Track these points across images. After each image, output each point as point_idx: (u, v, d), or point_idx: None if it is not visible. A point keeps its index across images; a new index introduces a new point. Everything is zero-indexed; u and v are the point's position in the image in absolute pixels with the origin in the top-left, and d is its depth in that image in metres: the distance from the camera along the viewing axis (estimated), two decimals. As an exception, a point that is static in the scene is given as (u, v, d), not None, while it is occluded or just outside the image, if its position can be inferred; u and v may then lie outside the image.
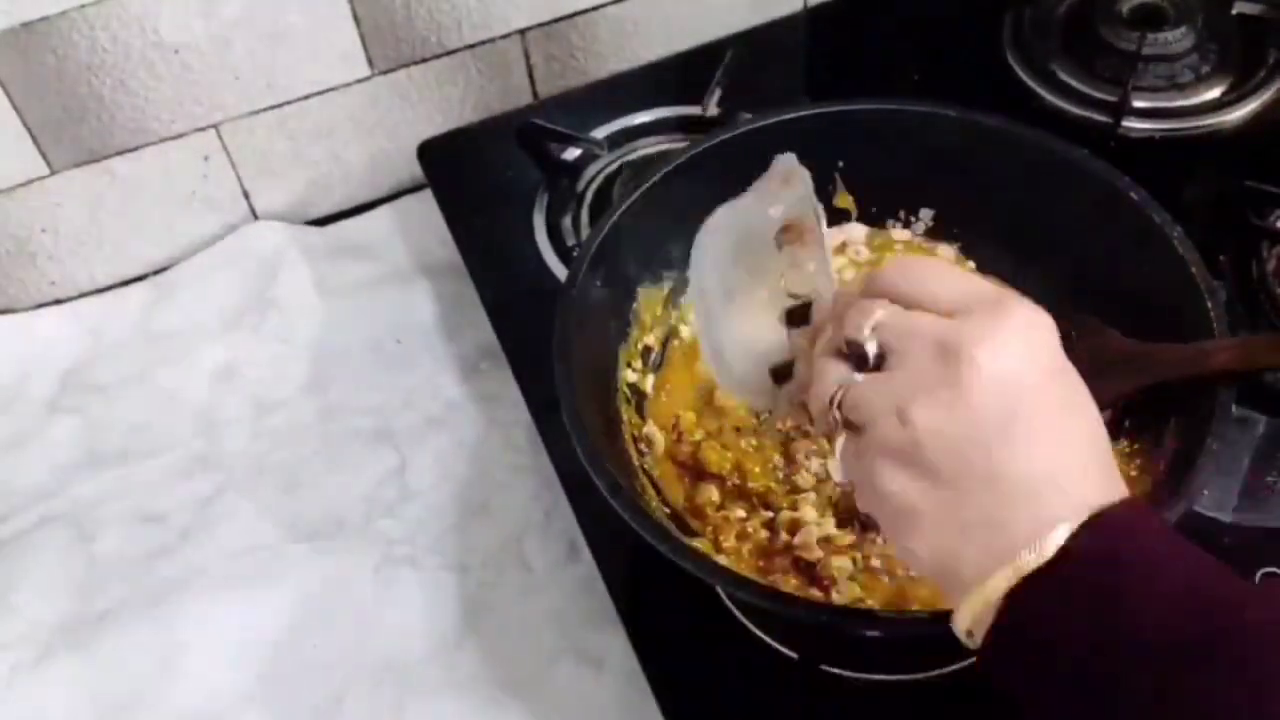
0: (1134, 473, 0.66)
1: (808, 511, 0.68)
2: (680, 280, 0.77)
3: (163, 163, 0.93)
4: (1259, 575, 0.68)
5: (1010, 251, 0.76)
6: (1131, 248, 0.68)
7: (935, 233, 0.79)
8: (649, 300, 0.76)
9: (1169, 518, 0.56)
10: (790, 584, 0.66)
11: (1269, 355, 0.62)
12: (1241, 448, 0.65)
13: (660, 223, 0.74)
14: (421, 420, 0.86)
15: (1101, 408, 0.65)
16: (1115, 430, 0.68)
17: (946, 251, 0.79)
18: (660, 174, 0.74)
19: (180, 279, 0.97)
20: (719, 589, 0.69)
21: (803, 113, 0.76)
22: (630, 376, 0.75)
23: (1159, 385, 0.64)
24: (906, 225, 0.80)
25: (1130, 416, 0.68)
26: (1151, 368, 0.65)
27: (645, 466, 0.71)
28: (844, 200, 0.79)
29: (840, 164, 0.78)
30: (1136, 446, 0.67)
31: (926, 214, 0.79)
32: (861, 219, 0.80)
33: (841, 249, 0.80)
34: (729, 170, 0.75)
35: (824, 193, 0.79)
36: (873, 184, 0.79)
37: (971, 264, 0.78)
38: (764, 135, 0.75)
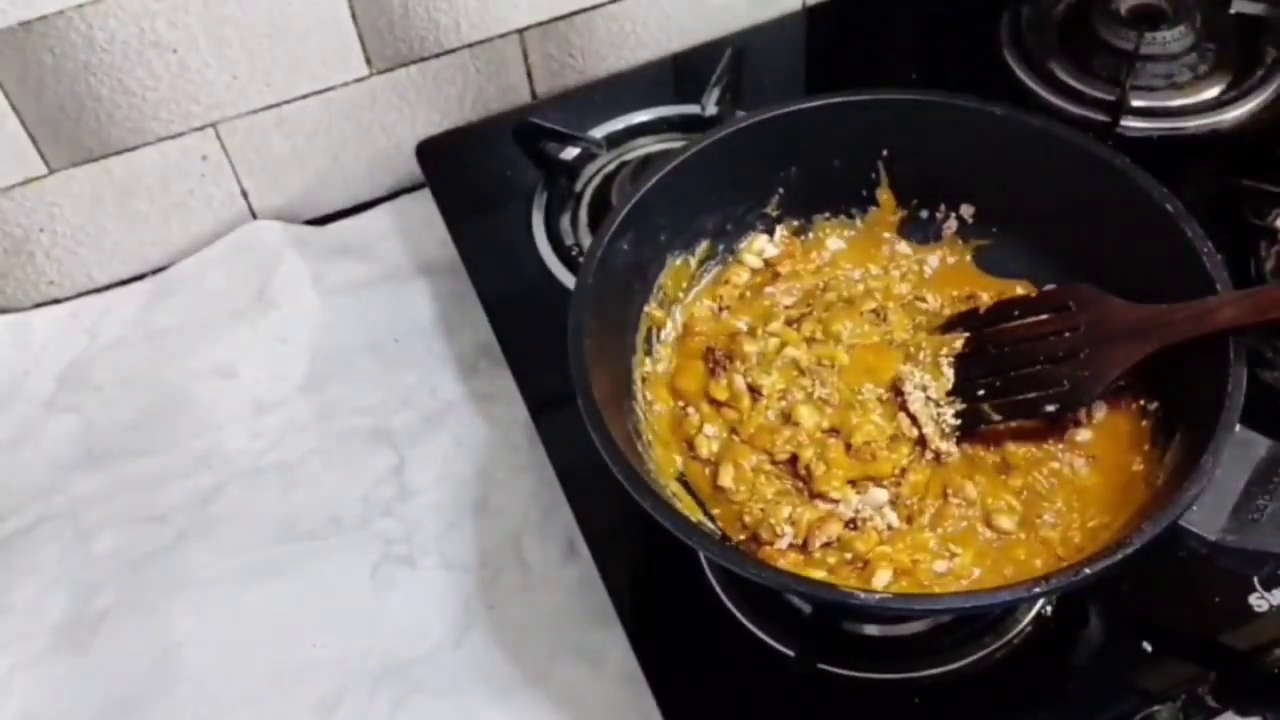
0: (1147, 446, 0.68)
1: (878, 493, 0.69)
2: (708, 253, 0.79)
3: (161, 162, 0.93)
4: (1256, 577, 0.69)
5: (1044, 251, 0.77)
6: (1164, 259, 0.69)
7: (972, 230, 0.80)
8: (676, 272, 0.77)
9: (1154, 528, 0.56)
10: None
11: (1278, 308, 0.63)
12: (1239, 468, 0.66)
13: (699, 192, 0.75)
14: (420, 419, 0.86)
15: (1113, 378, 0.65)
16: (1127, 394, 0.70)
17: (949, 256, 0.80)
18: (711, 140, 0.75)
19: (178, 278, 0.97)
20: (705, 562, 0.70)
21: (865, 96, 0.76)
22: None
23: (1168, 349, 0.65)
24: (946, 219, 0.80)
25: (1143, 380, 0.69)
26: (1157, 332, 0.66)
27: (653, 429, 0.72)
28: (885, 195, 0.80)
29: (884, 152, 0.78)
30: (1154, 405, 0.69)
31: (967, 209, 0.79)
32: (901, 206, 0.80)
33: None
34: (777, 146, 0.77)
35: (867, 182, 0.79)
36: (916, 175, 0.79)
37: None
38: (818, 115, 0.76)
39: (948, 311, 0.77)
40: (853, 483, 0.69)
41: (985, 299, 0.77)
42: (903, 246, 0.81)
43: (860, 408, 0.72)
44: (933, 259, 0.80)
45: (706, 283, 0.80)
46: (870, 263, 0.80)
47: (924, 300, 0.78)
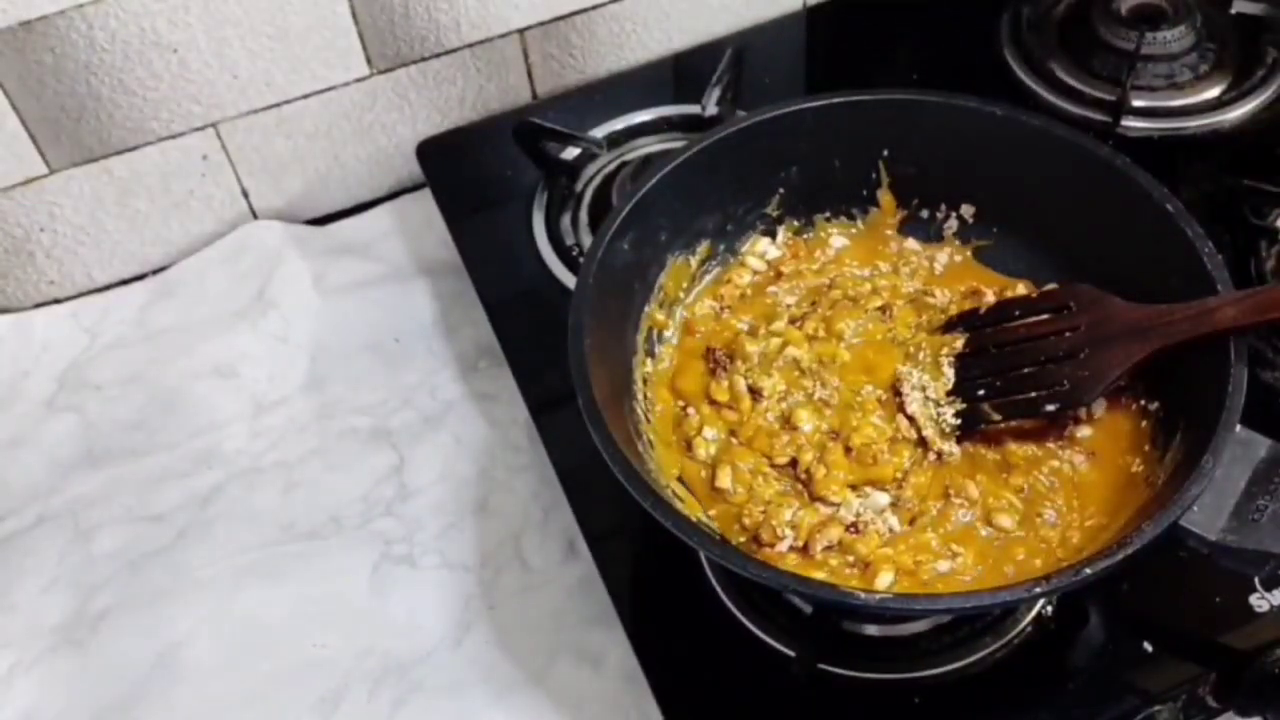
0: (1147, 447, 0.68)
1: (879, 497, 0.69)
2: (708, 253, 0.79)
3: (161, 162, 0.93)
4: (1256, 577, 0.69)
5: (1044, 251, 0.77)
6: (1164, 259, 0.69)
7: (972, 230, 0.80)
8: (676, 272, 0.77)
9: (1154, 528, 0.57)
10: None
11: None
12: (1239, 468, 0.66)
13: (700, 192, 0.75)
14: (420, 419, 0.86)
15: (1113, 378, 0.65)
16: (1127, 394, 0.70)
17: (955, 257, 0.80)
18: (712, 140, 0.75)
19: (178, 278, 0.97)
20: (706, 559, 0.70)
21: (865, 96, 0.76)
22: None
23: (1168, 349, 0.65)
24: (946, 219, 0.80)
25: (1143, 380, 0.69)
26: (1157, 332, 0.66)
27: (650, 431, 0.72)
28: (886, 195, 0.80)
29: (885, 152, 0.78)
30: (1154, 405, 0.69)
31: (967, 209, 0.79)
32: (902, 206, 0.80)
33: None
34: (777, 146, 0.77)
35: (868, 182, 0.79)
36: (917, 175, 0.79)
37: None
38: (818, 115, 0.76)
39: (955, 308, 0.77)
40: (853, 486, 0.69)
41: (989, 295, 0.77)
42: (911, 243, 0.81)
43: (860, 409, 0.72)
44: (941, 256, 0.80)
45: (707, 283, 0.80)
46: (878, 260, 0.80)
47: (932, 296, 0.78)
